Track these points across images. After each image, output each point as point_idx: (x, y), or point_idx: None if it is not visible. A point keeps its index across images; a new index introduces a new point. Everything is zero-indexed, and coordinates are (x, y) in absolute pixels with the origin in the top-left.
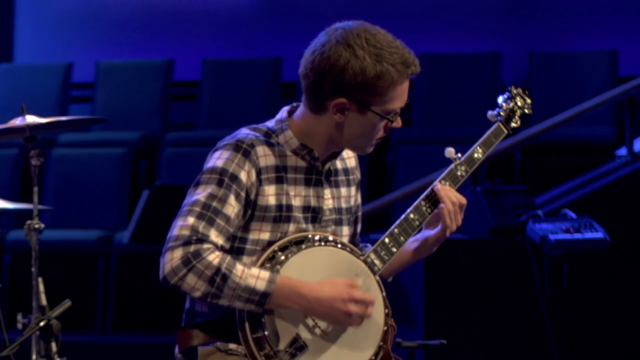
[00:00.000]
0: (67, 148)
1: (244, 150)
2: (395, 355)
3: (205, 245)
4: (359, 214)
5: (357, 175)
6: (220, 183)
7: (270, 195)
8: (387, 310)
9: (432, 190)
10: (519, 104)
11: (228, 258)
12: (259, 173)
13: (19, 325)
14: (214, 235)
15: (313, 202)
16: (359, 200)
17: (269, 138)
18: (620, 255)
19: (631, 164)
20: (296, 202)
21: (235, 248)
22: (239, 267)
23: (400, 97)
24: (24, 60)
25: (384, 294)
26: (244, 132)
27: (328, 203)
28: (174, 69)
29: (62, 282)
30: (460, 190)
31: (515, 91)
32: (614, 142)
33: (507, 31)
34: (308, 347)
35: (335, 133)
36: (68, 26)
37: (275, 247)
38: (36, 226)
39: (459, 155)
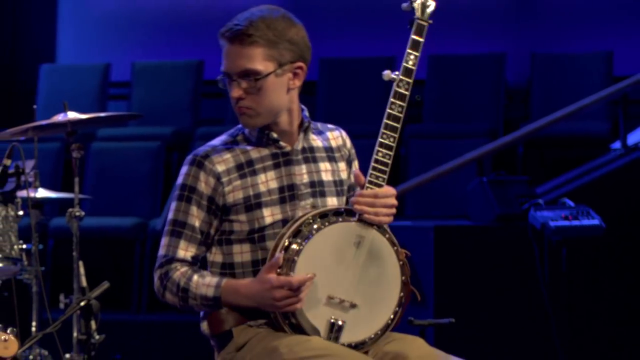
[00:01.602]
0: (106, 142)
1: (198, 162)
2: (412, 287)
3: (173, 265)
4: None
5: (346, 152)
6: (181, 198)
7: (237, 191)
8: (395, 248)
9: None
10: None
11: (189, 272)
12: (218, 178)
13: (61, 305)
14: (183, 249)
15: (286, 181)
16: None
17: (233, 139)
18: (615, 241)
19: (625, 157)
20: (270, 185)
21: (225, 240)
22: (194, 279)
23: (224, 58)
24: (66, 60)
25: (388, 235)
26: (208, 143)
27: (302, 178)
28: (204, 69)
29: (100, 266)
30: (464, 184)
31: None
32: (609, 136)
33: (510, 34)
34: (346, 323)
35: None
36: (106, 29)
37: (285, 238)
38: (77, 214)
39: (397, 73)
